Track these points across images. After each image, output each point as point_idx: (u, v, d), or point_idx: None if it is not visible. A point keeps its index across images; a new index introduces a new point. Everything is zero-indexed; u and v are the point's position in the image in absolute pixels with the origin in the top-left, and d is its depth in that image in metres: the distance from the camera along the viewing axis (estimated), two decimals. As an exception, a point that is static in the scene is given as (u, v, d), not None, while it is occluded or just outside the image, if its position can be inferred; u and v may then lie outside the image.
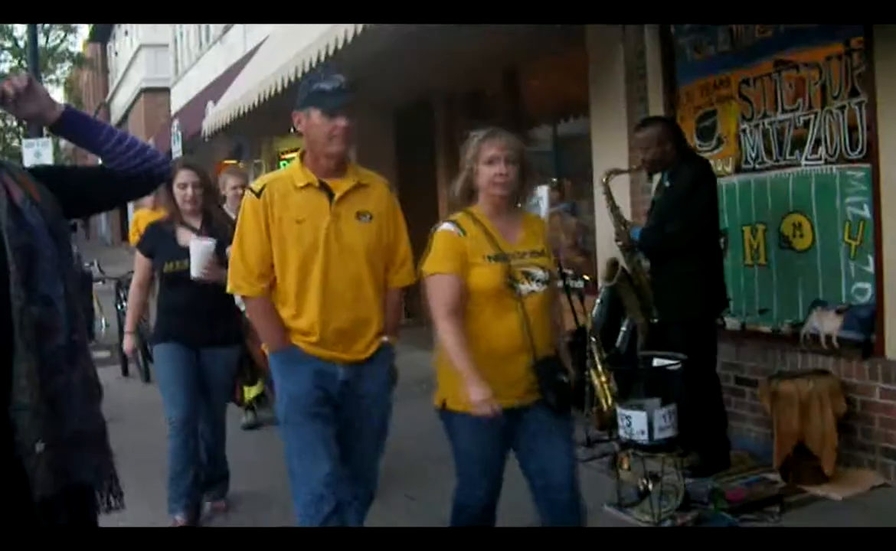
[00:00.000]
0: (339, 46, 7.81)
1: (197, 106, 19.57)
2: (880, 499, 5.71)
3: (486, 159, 4.10)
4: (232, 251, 4.33)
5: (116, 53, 43.11)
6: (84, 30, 47.34)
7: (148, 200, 10.11)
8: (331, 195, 4.21)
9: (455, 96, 12.17)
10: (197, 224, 6.03)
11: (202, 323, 5.86)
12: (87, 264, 14.57)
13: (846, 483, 5.89)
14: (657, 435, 5.49)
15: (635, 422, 5.51)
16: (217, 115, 14.03)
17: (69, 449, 2.99)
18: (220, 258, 5.66)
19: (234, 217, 6.21)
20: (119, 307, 12.39)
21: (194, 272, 5.72)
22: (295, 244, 4.17)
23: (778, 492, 5.77)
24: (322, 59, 8.30)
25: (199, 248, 5.74)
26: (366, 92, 12.27)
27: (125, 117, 38.83)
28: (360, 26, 7.32)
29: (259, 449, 7.64)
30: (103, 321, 14.41)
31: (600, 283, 7.90)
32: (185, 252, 5.79)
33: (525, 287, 4.07)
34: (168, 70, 30.45)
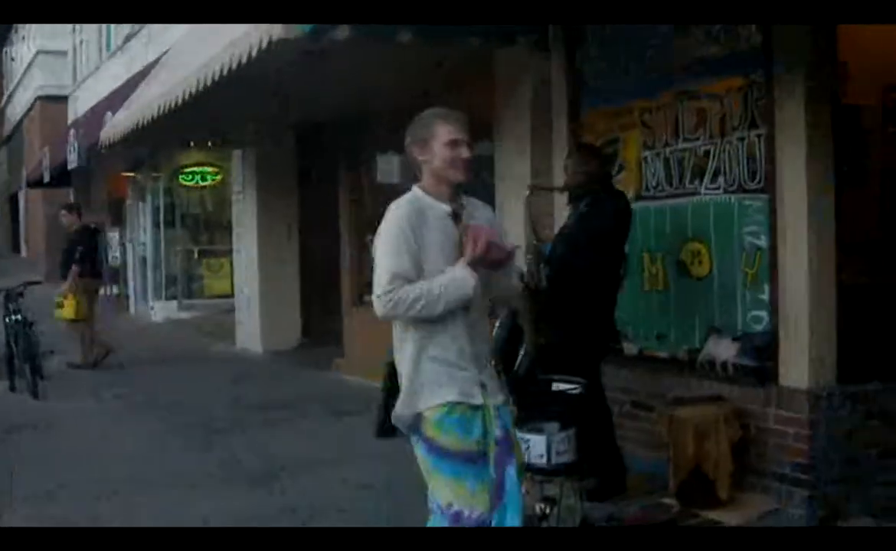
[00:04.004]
0: (243, 60, 7.70)
1: (96, 116, 19.17)
2: (772, 524, 5.81)
3: None
4: None
5: (13, 58, 42.04)
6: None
7: None
8: None
9: (359, 118, 12.07)
10: None
11: None
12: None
13: (740, 507, 5.98)
14: (556, 460, 5.49)
15: (534, 446, 5.50)
16: (116, 125, 13.73)
17: None
18: None
19: None
20: (7, 320, 11.99)
21: None
22: None
23: (674, 516, 5.82)
24: (225, 72, 8.19)
25: None
26: (268, 109, 12.26)
27: (20, 124, 37.87)
28: (264, 40, 7.21)
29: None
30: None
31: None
32: None
33: None
34: (67, 78, 29.79)
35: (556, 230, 6.90)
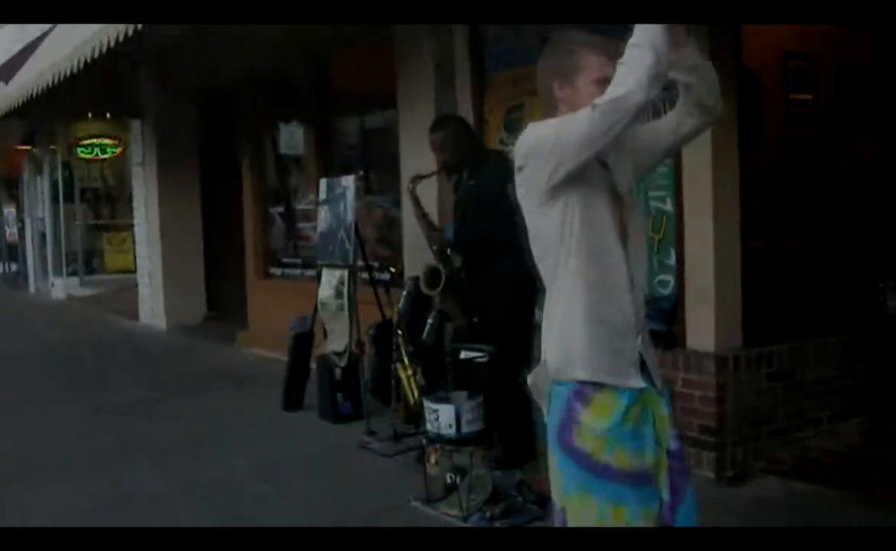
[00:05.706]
0: (139, 26, 7.46)
1: (-13, 87, 18.58)
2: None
3: None
4: None
5: None
6: None
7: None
8: None
9: (260, 83, 11.82)
10: None
11: None
12: None
13: (649, 472, 5.99)
14: (465, 429, 5.46)
15: (443, 416, 5.46)
16: (8, 96, 13.30)
17: None
18: None
19: None
20: None
21: None
22: None
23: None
24: (121, 38, 7.93)
25: None
26: (168, 75, 11.94)
27: None
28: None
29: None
30: None
31: (406, 276, 7.84)
32: None
33: None
34: (-44, 49, 28.85)
35: (454, 210, 6.77)
